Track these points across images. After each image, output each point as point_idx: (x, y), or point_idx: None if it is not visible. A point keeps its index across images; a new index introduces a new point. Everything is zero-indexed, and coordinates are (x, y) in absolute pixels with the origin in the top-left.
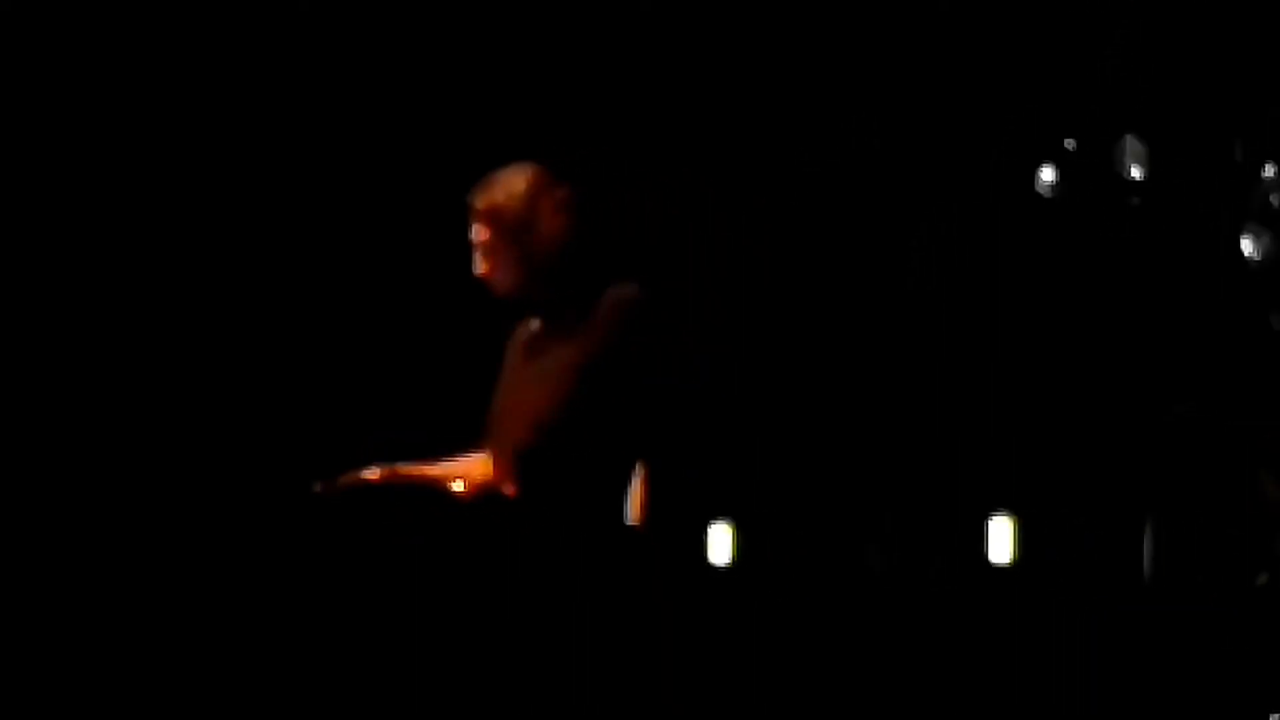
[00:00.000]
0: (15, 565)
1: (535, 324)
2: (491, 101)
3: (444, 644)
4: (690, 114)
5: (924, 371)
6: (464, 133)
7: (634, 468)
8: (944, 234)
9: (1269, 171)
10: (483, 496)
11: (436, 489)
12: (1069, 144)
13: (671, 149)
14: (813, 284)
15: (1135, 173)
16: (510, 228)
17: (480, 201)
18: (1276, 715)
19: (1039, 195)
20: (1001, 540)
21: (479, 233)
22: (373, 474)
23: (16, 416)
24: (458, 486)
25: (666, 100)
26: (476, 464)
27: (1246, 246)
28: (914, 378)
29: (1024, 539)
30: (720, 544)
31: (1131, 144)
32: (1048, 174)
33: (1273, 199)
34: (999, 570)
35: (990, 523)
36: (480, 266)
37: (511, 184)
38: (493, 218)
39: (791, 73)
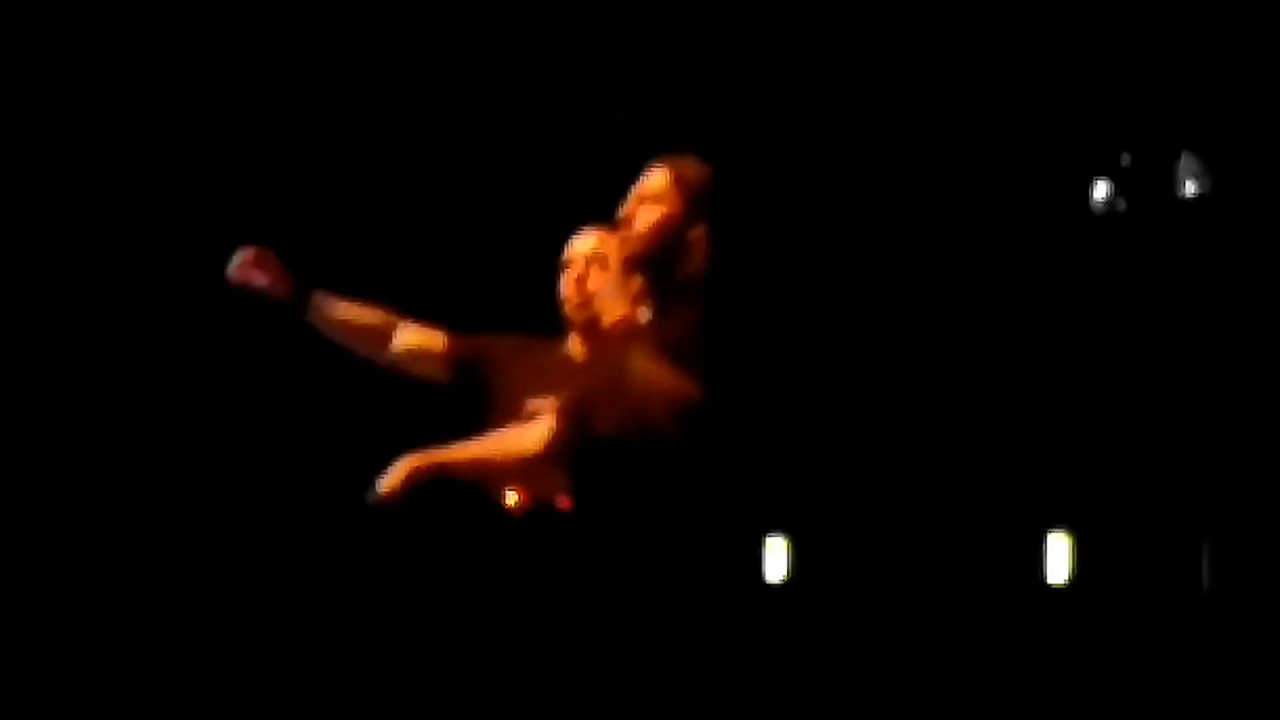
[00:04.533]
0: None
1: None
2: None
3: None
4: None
5: (980, 386)
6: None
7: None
8: (1000, 248)
9: None
10: (536, 502)
11: (485, 490)
12: (1125, 160)
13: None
14: (870, 302)
15: (1191, 189)
16: None
17: None
18: None
19: (1094, 211)
20: (1059, 558)
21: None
22: (413, 469)
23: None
24: (512, 499)
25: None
26: (529, 433)
27: None
28: (969, 393)
29: (1081, 557)
30: (776, 559)
31: (1189, 161)
32: (1102, 189)
33: None
34: (1055, 589)
35: (1048, 541)
36: None
37: None
38: None
39: (835, 85)
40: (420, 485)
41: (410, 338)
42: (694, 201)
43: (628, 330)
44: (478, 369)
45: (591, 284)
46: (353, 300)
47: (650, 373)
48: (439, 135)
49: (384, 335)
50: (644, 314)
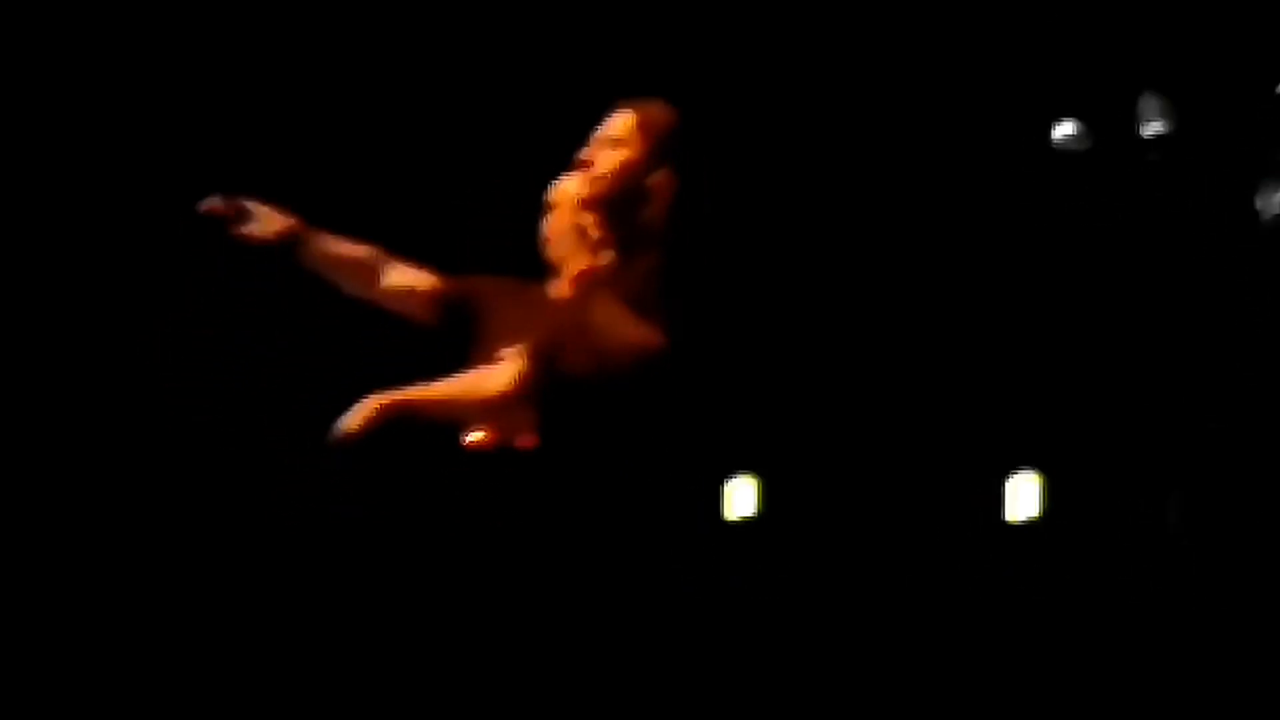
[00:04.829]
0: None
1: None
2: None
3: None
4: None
5: (948, 327)
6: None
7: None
8: (965, 190)
9: None
10: (501, 442)
11: (449, 428)
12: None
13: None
14: (837, 246)
15: (1155, 129)
16: None
17: None
18: None
19: (1056, 150)
20: (1026, 497)
21: None
22: (376, 409)
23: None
24: (475, 436)
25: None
26: (497, 373)
27: (1265, 204)
28: (938, 334)
29: (1050, 497)
30: (742, 500)
31: (1152, 100)
32: (1066, 128)
33: None
34: (1021, 528)
35: (1014, 480)
36: None
37: None
38: None
39: (800, 28)
40: (383, 425)
41: (399, 276)
42: (657, 146)
43: (589, 274)
44: (466, 310)
45: (566, 227)
46: (343, 237)
47: (610, 318)
48: (427, 83)
49: (373, 272)
50: (604, 258)
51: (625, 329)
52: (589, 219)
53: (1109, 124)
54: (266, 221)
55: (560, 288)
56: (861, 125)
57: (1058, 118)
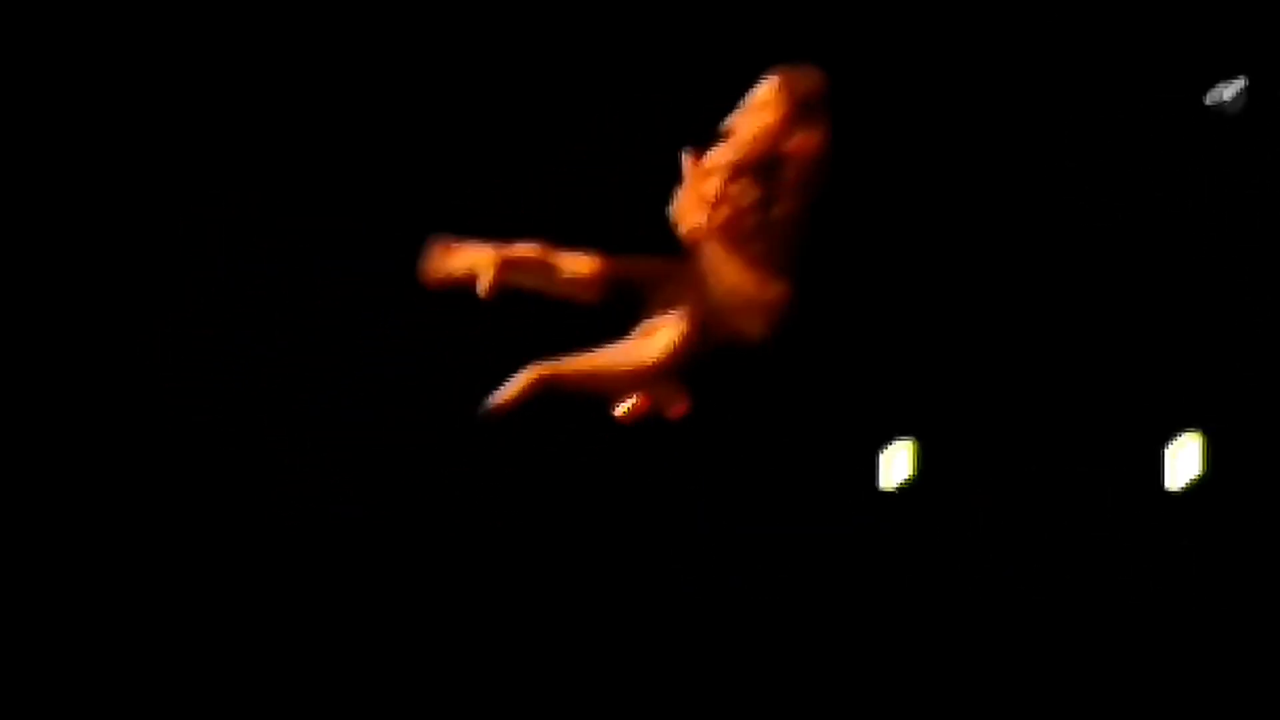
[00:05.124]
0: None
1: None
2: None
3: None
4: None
5: (1103, 289)
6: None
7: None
8: (1117, 153)
9: None
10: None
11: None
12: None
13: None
14: (999, 205)
15: None
16: None
17: None
18: None
19: (1216, 110)
20: (1188, 460)
21: None
22: (532, 380)
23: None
24: (621, 410)
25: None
26: (647, 345)
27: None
28: (1093, 295)
29: (1212, 458)
30: (899, 462)
31: None
32: (1224, 90)
33: None
34: (1180, 491)
35: (1175, 442)
36: None
37: None
38: None
39: None
40: (537, 396)
41: (567, 263)
42: (797, 111)
43: (724, 236)
44: (629, 289)
45: (706, 196)
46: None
47: (743, 279)
48: (588, 65)
49: (544, 266)
50: (741, 222)
51: (755, 289)
52: (729, 185)
53: (1268, 86)
54: (461, 259)
55: (701, 255)
56: (1012, 86)
57: (1216, 80)
